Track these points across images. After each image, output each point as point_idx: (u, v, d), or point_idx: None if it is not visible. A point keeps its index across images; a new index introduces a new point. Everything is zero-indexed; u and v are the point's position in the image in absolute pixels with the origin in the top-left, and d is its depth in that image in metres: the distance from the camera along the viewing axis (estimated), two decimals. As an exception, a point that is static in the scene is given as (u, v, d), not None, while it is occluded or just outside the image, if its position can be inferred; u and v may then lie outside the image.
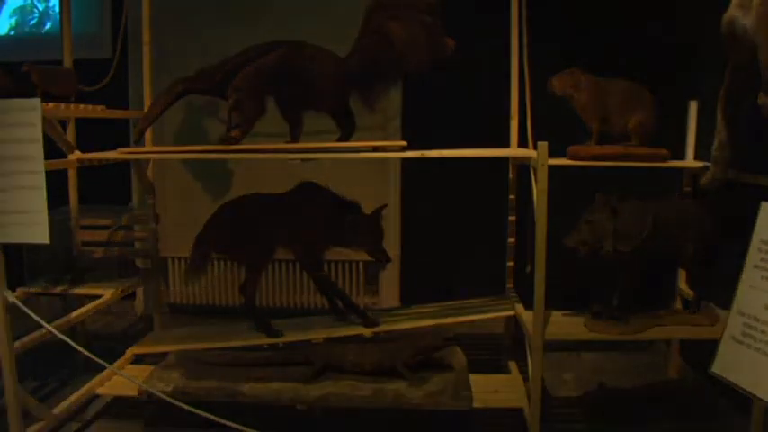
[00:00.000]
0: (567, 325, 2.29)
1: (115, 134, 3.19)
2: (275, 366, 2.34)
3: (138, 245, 3.01)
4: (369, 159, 3.03)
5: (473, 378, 2.31)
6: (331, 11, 3.18)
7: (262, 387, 2.21)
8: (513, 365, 2.58)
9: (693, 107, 2.54)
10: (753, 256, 1.55)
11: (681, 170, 2.55)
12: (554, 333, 2.19)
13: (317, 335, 2.44)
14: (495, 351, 2.81)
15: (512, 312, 2.53)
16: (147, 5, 2.70)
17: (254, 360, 2.38)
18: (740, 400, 1.57)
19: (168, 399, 1.99)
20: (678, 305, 2.60)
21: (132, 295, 3.59)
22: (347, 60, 2.21)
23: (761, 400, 1.47)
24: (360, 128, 2.35)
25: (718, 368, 1.59)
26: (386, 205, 2.44)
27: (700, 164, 2.32)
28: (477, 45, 2.86)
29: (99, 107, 2.63)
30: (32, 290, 2.68)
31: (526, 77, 2.61)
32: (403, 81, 2.61)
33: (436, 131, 2.92)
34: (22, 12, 3.79)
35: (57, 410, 2.21)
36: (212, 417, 1.82)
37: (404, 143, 2.23)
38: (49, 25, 3.75)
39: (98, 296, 2.60)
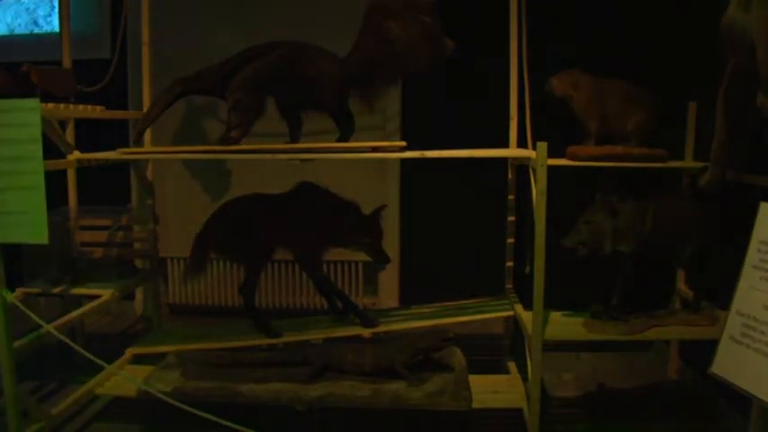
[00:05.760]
0: (566, 325, 2.29)
1: (115, 134, 3.20)
2: (275, 367, 2.34)
3: (137, 245, 3.01)
4: (368, 159, 3.03)
5: (472, 378, 2.30)
6: (331, 11, 3.19)
7: (261, 388, 2.21)
8: (512, 366, 2.58)
9: (693, 108, 2.54)
10: (752, 256, 1.55)
11: (680, 170, 2.55)
12: (553, 333, 2.19)
13: (317, 335, 2.44)
14: (495, 351, 2.81)
15: (511, 312, 2.53)
16: (147, 5, 2.70)
17: (254, 360, 2.38)
18: (740, 400, 1.56)
19: (167, 399, 1.99)
20: (678, 305, 2.60)
21: (132, 295, 3.59)
22: (347, 60, 2.21)
23: (760, 400, 1.47)
24: (359, 128, 2.35)
25: (717, 368, 1.59)
26: (385, 205, 2.44)
27: (699, 164, 2.32)
28: (477, 45, 2.87)
29: (98, 107, 2.62)
30: (32, 290, 2.67)
31: (526, 77, 2.62)
32: (403, 81, 2.61)
33: (436, 131, 2.93)
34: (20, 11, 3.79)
35: (56, 410, 2.20)
36: (212, 417, 1.82)
37: (403, 143, 2.23)
38: (48, 25, 3.75)
39: (97, 296, 2.59)
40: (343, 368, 2.28)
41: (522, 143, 2.65)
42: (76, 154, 2.30)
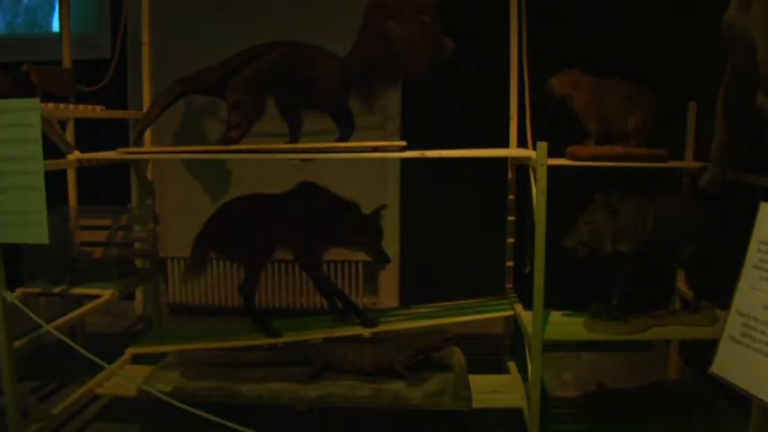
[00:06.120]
0: (566, 325, 2.29)
1: (115, 134, 3.21)
2: (275, 367, 2.34)
3: (137, 245, 3.01)
4: (368, 159, 3.03)
5: (472, 378, 2.30)
6: (331, 11, 3.19)
7: (261, 387, 2.21)
8: (512, 366, 2.58)
9: (693, 108, 2.54)
10: (752, 256, 1.55)
11: (680, 170, 2.55)
12: (553, 333, 2.19)
13: (317, 335, 2.44)
14: (495, 351, 2.81)
15: (511, 312, 2.53)
16: (147, 5, 2.70)
17: (254, 360, 2.38)
18: (740, 400, 1.56)
19: (167, 399, 1.99)
20: (678, 305, 2.60)
21: (132, 295, 3.59)
22: (347, 60, 2.21)
23: (760, 400, 1.47)
24: (359, 128, 2.35)
25: (717, 368, 1.59)
26: (385, 205, 2.44)
27: (699, 164, 2.32)
28: (477, 45, 2.87)
29: (98, 107, 2.62)
30: (32, 290, 2.67)
31: (526, 77, 2.62)
32: (403, 81, 2.61)
33: (436, 131, 2.93)
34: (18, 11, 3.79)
35: (56, 410, 2.20)
36: (211, 417, 1.82)
37: (403, 143, 2.23)
38: (48, 25, 3.75)
39: (97, 296, 2.59)
40: (343, 368, 2.28)
41: (522, 143, 2.65)
42: (76, 154, 2.30)
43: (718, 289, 2.29)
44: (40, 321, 2.02)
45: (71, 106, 2.54)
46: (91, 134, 2.93)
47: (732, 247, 1.66)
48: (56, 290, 2.66)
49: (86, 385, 2.33)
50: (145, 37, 2.72)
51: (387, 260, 2.45)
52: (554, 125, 2.28)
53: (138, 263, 3.19)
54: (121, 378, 2.33)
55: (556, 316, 2.35)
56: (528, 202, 2.21)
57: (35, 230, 1.90)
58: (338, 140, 2.31)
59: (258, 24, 3.18)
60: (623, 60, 2.68)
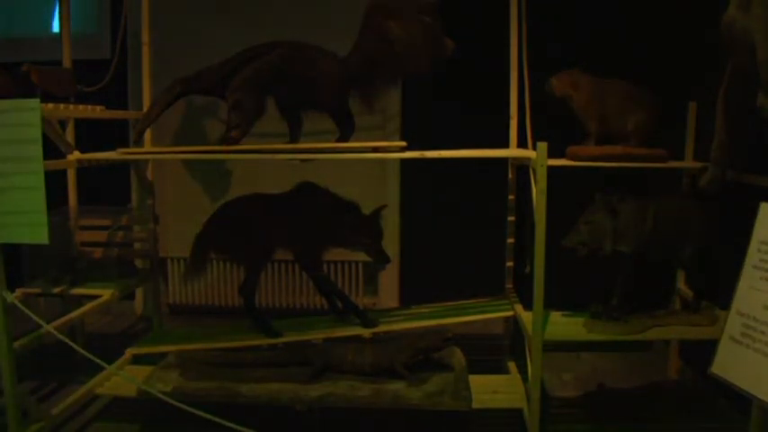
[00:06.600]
0: (566, 325, 2.29)
1: (115, 134, 3.21)
2: (275, 367, 2.34)
3: (137, 245, 3.01)
4: (368, 159, 3.03)
5: (472, 378, 2.30)
6: (331, 11, 3.19)
7: (261, 387, 2.21)
8: (512, 366, 2.58)
9: (693, 108, 2.54)
10: (752, 256, 1.55)
11: (680, 170, 2.55)
12: (553, 333, 2.19)
13: (317, 335, 2.44)
14: (495, 351, 2.81)
15: (511, 313, 2.53)
16: (147, 5, 2.70)
17: (254, 360, 2.38)
18: (740, 400, 1.57)
19: (167, 399, 1.99)
20: (678, 305, 2.60)
21: (132, 295, 3.59)
22: (347, 60, 2.21)
23: (760, 400, 1.47)
24: (359, 128, 2.35)
25: (717, 368, 1.59)
26: (385, 205, 2.44)
27: (699, 164, 2.32)
28: (477, 45, 2.87)
29: (98, 107, 2.62)
30: (32, 290, 2.67)
31: (526, 77, 2.62)
32: (403, 81, 2.61)
33: (436, 131, 2.93)
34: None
35: (56, 411, 2.20)
36: (212, 417, 1.82)
37: (403, 143, 2.23)
38: (48, 25, 3.75)
39: (97, 296, 2.59)
40: (344, 368, 2.28)
41: (522, 143, 2.65)
42: (76, 154, 2.30)
43: (718, 289, 2.29)
44: (40, 321, 2.02)
45: (71, 106, 2.54)
46: (91, 134, 2.93)
47: (732, 247, 1.66)
48: (56, 290, 2.66)
49: (86, 385, 2.33)
50: (145, 37, 2.72)
51: (387, 260, 2.45)
52: (554, 125, 2.28)
53: (138, 263, 3.19)
54: (121, 378, 2.33)
55: (556, 316, 2.35)
56: (528, 202, 2.21)
57: (35, 230, 1.90)
58: (338, 140, 2.31)
59: (258, 24, 3.18)
60: (623, 60, 2.68)
